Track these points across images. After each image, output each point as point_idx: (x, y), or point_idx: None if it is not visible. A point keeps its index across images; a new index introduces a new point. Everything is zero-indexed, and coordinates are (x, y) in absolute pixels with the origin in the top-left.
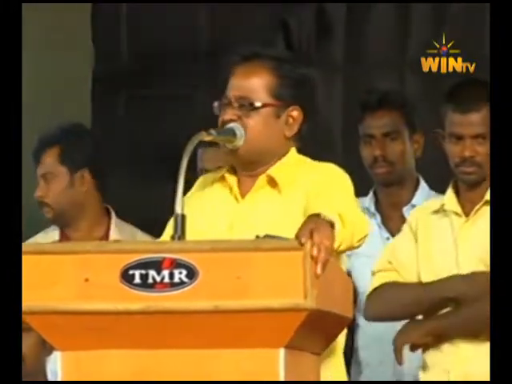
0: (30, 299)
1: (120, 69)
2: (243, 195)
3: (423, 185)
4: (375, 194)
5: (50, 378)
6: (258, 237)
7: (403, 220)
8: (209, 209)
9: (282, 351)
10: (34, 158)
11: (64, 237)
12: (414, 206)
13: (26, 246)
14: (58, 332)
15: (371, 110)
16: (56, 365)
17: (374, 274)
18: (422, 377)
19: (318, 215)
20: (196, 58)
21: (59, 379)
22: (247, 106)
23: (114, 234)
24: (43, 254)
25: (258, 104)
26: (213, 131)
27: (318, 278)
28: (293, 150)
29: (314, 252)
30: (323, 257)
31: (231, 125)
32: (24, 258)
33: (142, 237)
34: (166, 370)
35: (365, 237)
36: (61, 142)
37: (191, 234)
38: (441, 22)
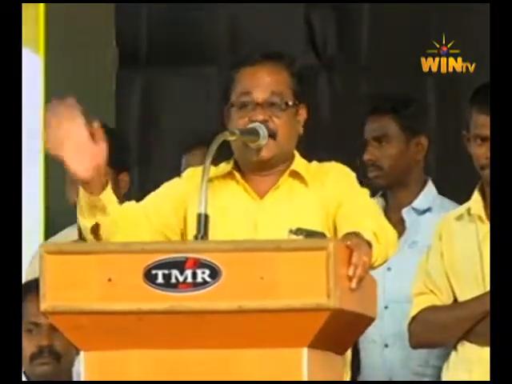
0: (53, 299)
1: (141, 68)
2: (261, 195)
3: (430, 188)
4: (384, 195)
5: (75, 378)
6: (291, 231)
7: (403, 222)
8: (227, 208)
9: (305, 351)
10: None
11: None
12: (414, 209)
13: (49, 246)
14: (82, 332)
15: (368, 115)
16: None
17: (413, 297)
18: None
19: (356, 234)
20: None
21: (82, 379)
22: (280, 105)
23: None
24: (66, 254)
25: (290, 103)
26: (236, 131)
27: (352, 292)
28: (296, 152)
29: (350, 271)
30: (360, 273)
31: (254, 124)
32: (47, 258)
33: None
34: (189, 370)
35: (395, 249)
36: None
37: (215, 234)
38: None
